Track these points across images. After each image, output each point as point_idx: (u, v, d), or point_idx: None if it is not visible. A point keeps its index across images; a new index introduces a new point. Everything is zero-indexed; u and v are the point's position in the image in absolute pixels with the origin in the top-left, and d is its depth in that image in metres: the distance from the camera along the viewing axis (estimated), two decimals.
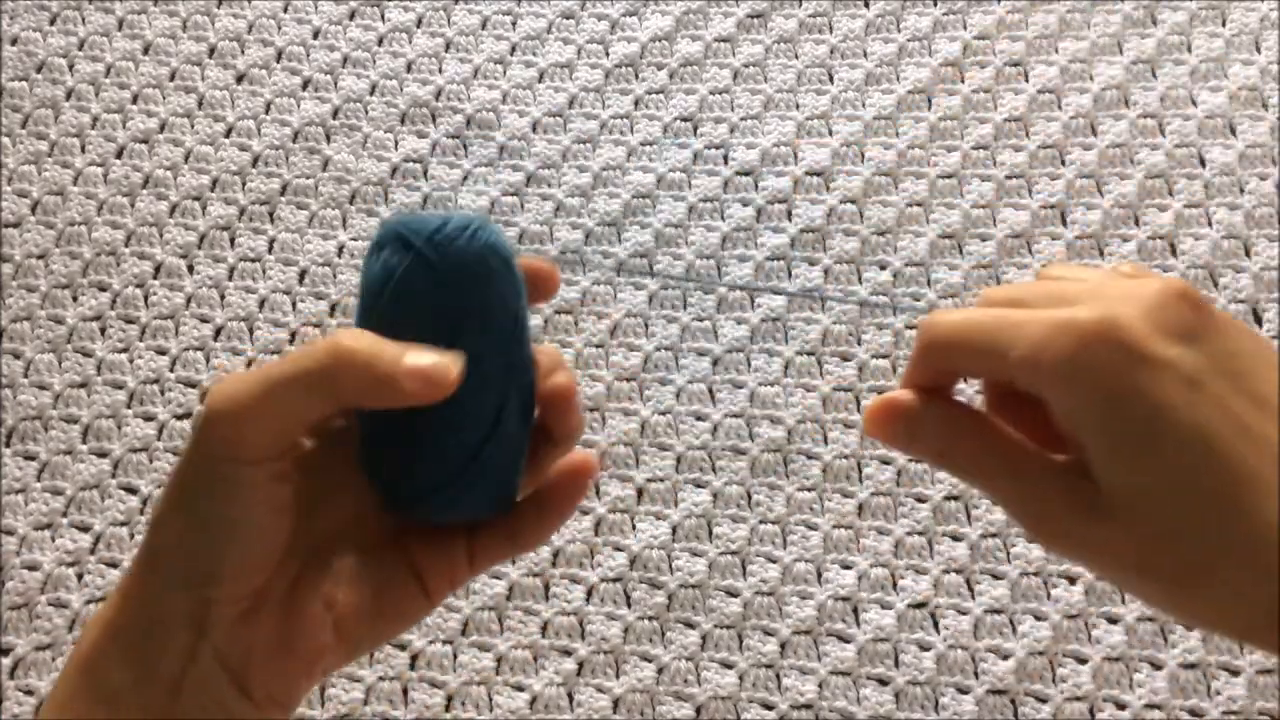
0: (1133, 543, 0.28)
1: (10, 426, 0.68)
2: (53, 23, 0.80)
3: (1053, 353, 0.28)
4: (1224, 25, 0.76)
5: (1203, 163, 0.72)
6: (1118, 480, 0.28)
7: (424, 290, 0.29)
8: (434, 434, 0.30)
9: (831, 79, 0.76)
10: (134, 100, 0.77)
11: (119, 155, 0.75)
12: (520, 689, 0.61)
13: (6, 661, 0.62)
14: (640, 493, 0.65)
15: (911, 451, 0.32)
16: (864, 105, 0.75)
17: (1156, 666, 0.60)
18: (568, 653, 0.62)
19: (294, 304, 0.71)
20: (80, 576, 0.64)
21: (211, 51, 0.79)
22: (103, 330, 0.70)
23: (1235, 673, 0.59)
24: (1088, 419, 0.28)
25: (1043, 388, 0.28)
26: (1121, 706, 0.59)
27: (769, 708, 0.60)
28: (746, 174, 0.73)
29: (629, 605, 0.63)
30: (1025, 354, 0.28)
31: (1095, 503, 0.28)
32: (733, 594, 0.62)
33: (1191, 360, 0.28)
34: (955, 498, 0.64)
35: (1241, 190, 0.71)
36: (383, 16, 0.79)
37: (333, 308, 0.71)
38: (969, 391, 0.48)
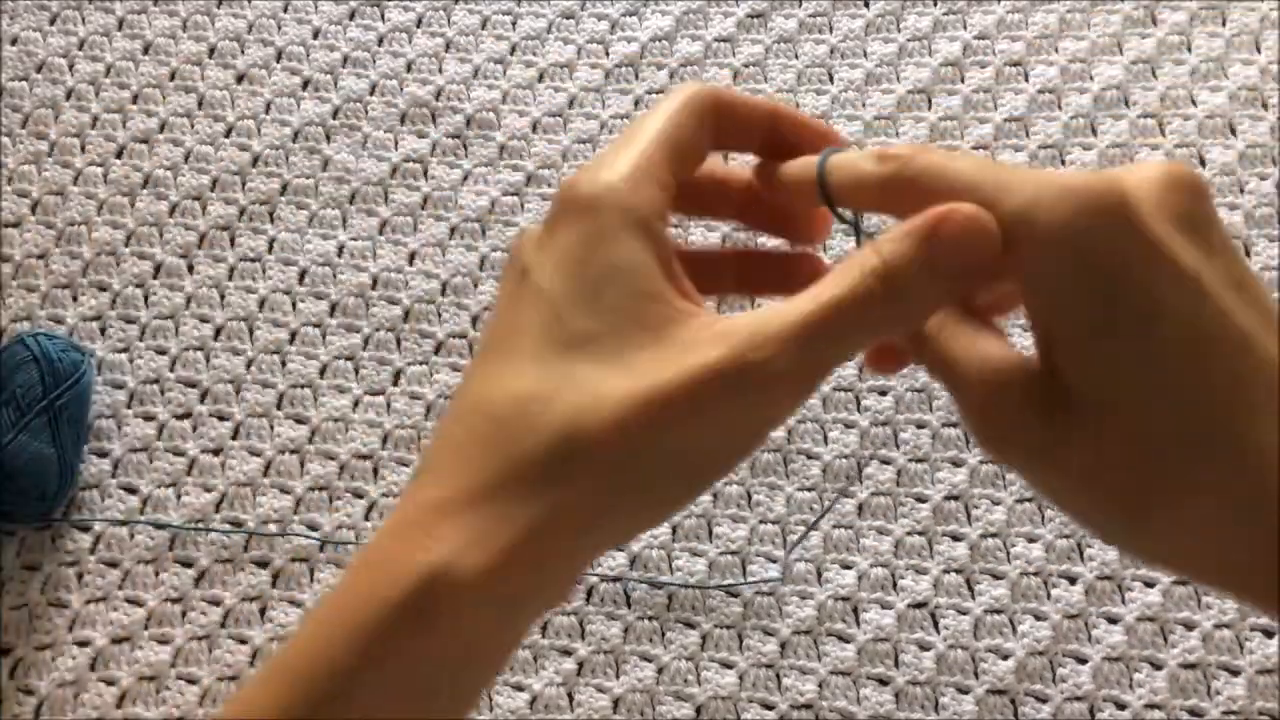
0: (1095, 451, 0.25)
1: None
2: (53, 23, 0.80)
3: (1050, 213, 0.24)
4: (1224, 25, 0.76)
5: (1203, 163, 0.72)
6: (1093, 374, 0.24)
7: None
8: None
9: (831, 79, 0.76)
10: (134, 100, 0.77)
11: (119, 155, 0.75)
12: (520, 689, 0.61)
13: (6, 661, 0.62)
14: None
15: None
16: (864, 105, 0.75)
17: (1156, 666, 0.60)
18: (568, 653, 0.62)
19: (294, 304, 0.71)
20: (80, 577, 0.64)
21: (211, 51, 0.79)
22: (103, 330, 0.70)
23: (1235, 673, 0.59)
24: (1074, 299, 0.24)
25: (1027, 254, 0.25)
26: (1121, 706, 0.59)
27: (769, 708, 0.60)
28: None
29: (629, 605, 0.63)
30: (1018, 208, 0.24)
31: (1058, 401, 0.25)
32: (733, 594, 0.62)
33: (1197, 257, 0.24)
34: (955, 498, 0.64)
35: (1241, 190, 0.71)
36: (383, 16, 0.79)
37: (333, 308, 0.71)
38: None
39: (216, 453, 0.67)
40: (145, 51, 0.79)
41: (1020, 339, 0.56)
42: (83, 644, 0.62)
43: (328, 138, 0.75)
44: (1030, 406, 0.25)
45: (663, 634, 0.62)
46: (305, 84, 0.77)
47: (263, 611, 0.63)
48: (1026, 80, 0.75)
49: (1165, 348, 0.24)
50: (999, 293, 0.30)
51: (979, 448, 0.30)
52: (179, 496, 0.66)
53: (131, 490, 0.66)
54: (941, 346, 0.28)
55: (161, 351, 0.70)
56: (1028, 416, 0.25)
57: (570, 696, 0.61)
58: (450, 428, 0.26)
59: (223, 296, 0.71)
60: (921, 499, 0.64)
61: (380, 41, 0.79)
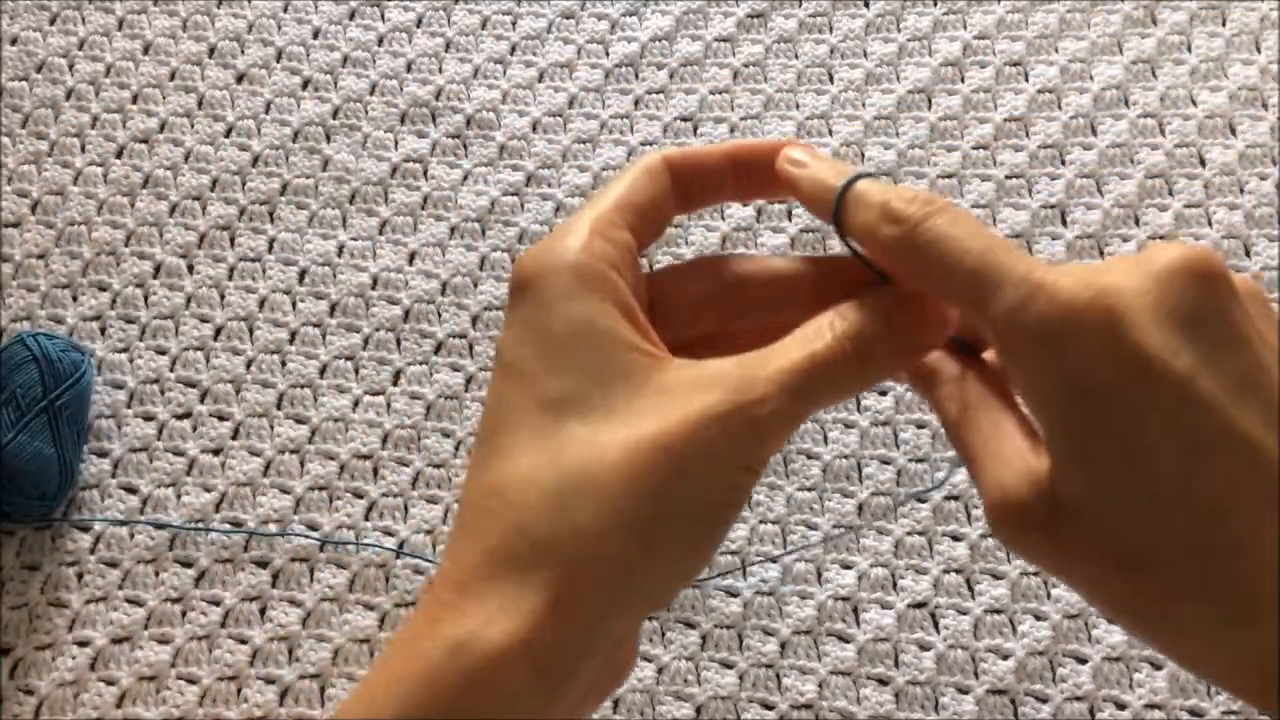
0: (1093, 557, 0.24)
1: None
2: (53, 23, 0.80)
3: (1038, 321, 0.24)
4: (1224, 25, 0.76)
5: (1203, 163, 0.72)
6: (1082, 479, 0.24)
7: None
8: None
9: (831, 79, 0.76)
10: (134, 100, 0.77)
11: (119, 155, 0.75)
12: None
13: (6, 661, 0.62)
14: None
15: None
16: (864, 105, 0.75)
17: (1156, 666, 0.60)
18: None
19: (294, 304, 0.71)
20: (80, 577, 0.64)
21: (211, 51, 0.79)
22: (103, 330, 0.70)
23: None
24: (1059, 407, 0.24)
25: (1015, 355, 0.25)
26: (1121, 706, 0.59)
27: (769, 708, 0.60)
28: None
29: None
30: (1009, 308, 0.24)
31: (1062, 505, 0.25)
32: (733, 594, 0.62)
33: (1193, 360, 0.23)
34: (955, 498, 0.64)
35: (1241, 190, 0.71)
36: (383, 16, 0.79)
37: (333, 307, 0.71)
38: None
39: (216, 453, 0.67)
40: (145, 51, 0.79)
41: None
42: (83, 644, 0.62)
43: (328, 138, 0.75)
44: (1036, 512, 0.25)
45: (663, 634, 0.62)
46: (305, 84, 0.77)
47: (263, 611, 0.63)
48: (1026, 80, 0.75)
49: (1153, 456, 0.23)
50: None
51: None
52: (179, 496, 0.66)
53: (131, 490, 0.66)
54: (962, 436, 0.28)
55: (161, 351, 0.70)
56: (1032, 521, 0.25)
57: None
58: (463, 514, 0.27)
59: (223, 296, 0.71)
60: (921, 499, 0.64)
61: (380, 41, 0.79)
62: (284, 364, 0.69)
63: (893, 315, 0.27)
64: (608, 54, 0.78)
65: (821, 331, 0.26)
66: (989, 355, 0.30)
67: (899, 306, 0.27)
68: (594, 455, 0.25)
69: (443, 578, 0.26)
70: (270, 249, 0.72)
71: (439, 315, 0.70)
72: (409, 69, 0.78)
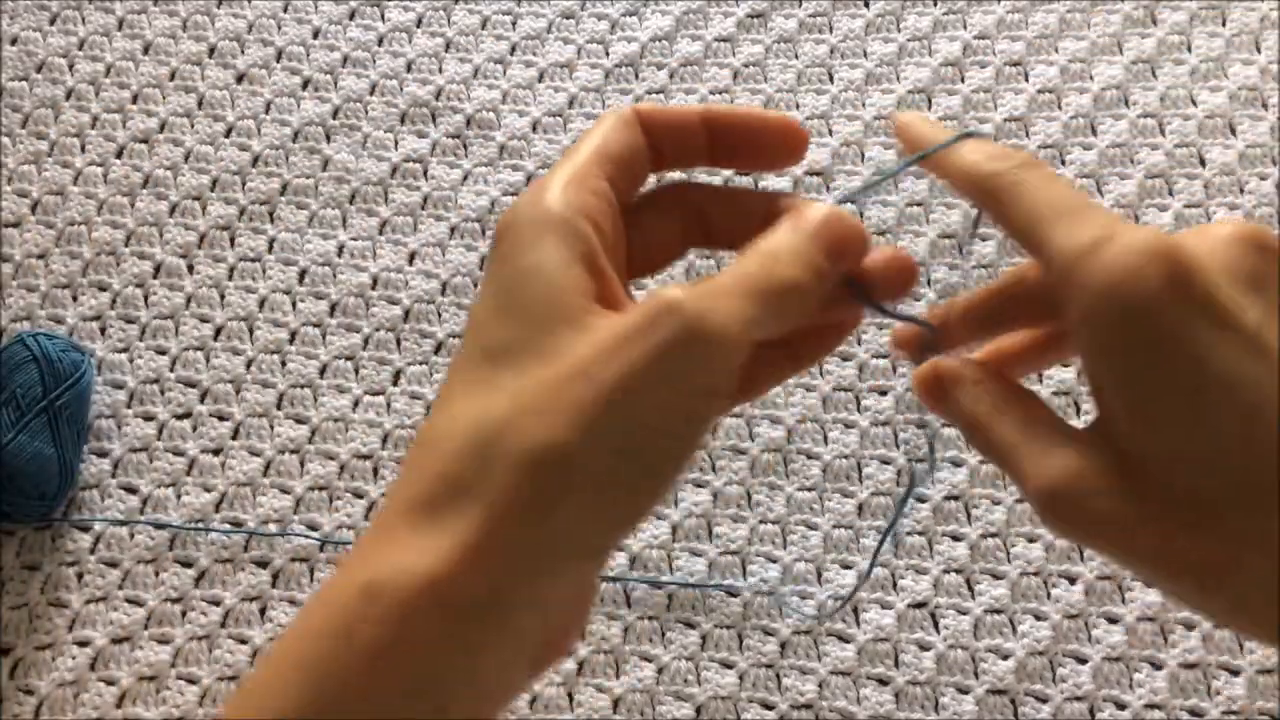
0: (1157, 521, 0.24)
1: None
2: (53, 23, 0.80)
3: (1105, 265, 0.24)
4: (1224, 25, 0.76)
5: (1203, 163, 0.72)
6: (1143, 445, 0.24)
7: None
8: None
9: (831, 79, 0.76)
10: (134, 100, 0.77)
11: (119, 155, 0.75)
12: None
13: (6, 661, 0.62)
14: None
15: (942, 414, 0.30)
16: (864, 105, 0.75)
17: (1156, 666, 0.60)
18: (568, 653, 0.62)
19: (294, 304, 0.71)
20: (80, 577, 0.64)
21: (211, 51, 0.79)
22: (103, 330, 0.70)
23: (1235, 673, 0.59)
24: (1122, 357, 0.24)
25: (1077, 300, 0.25)
26: (1121, 706, 0.59)
27: (769, 708, 0.60)
28: (746, 174, 0.73)
29: (629, 605, 0.63)
30: (1076, 250, 0.25)
31: (1118, 477, 0.25)
32: (732, 594, 0.62)
33: (1260, 316, 0.24)
34: (955, 498, 0.64)
35: (1241, 190, 0.71)
36: (383, 16, 0.79)
37: (333, 307, 0.71)
38: None
39: (216, 453, 0.67)
40: (145, 51, 0.79)
41: None
42: (83, 644, 0.62)
43: (328, 138, 0.75)
44: (1095, 483, 0.25)
45: (663, 634, 0.62)
46: (305, 84, 0.77)
47: (263, 611, 0.63)
48: (1026, 80, 0.75)
49: (1219, 406, 0.23)
50: (1050, 338, 0.31)
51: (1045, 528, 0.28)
52: (179, 496, 0.66)
53: (131, 490, 0.66)
54: (995, 434, 0.28)
55: (161, 351, 0.70)
56: (1092, 493, 0.25)
57: (570, 696, 0.61)
58: (401, 466, 0.27)
59: (223, 296, 0.71)
60: (921, 499, 0.64)
61: (380, 41, 0.79)
62: (284, 364, 0.69)
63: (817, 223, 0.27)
64: (608, 54, 0.78)
65: (772, 248, 0.27)
66: (1012, 341, 0.31)
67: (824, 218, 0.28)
68: (517, 400, 0.24)
69: (374, 519, 0.26)
70: (270, 249, 0.72)
71: (439, 315, 0.70)
72: (409, 69, 0.78)
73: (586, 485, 0.24)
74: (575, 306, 0.25)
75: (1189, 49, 0.75)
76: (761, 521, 0.64)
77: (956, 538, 0.63)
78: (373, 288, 0.71)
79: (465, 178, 0.74)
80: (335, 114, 0.76)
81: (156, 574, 0.64)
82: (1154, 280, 0.24)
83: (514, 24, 0.79)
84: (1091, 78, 0.75)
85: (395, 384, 0.68)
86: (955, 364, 0.30)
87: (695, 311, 0.24)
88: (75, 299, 0.71)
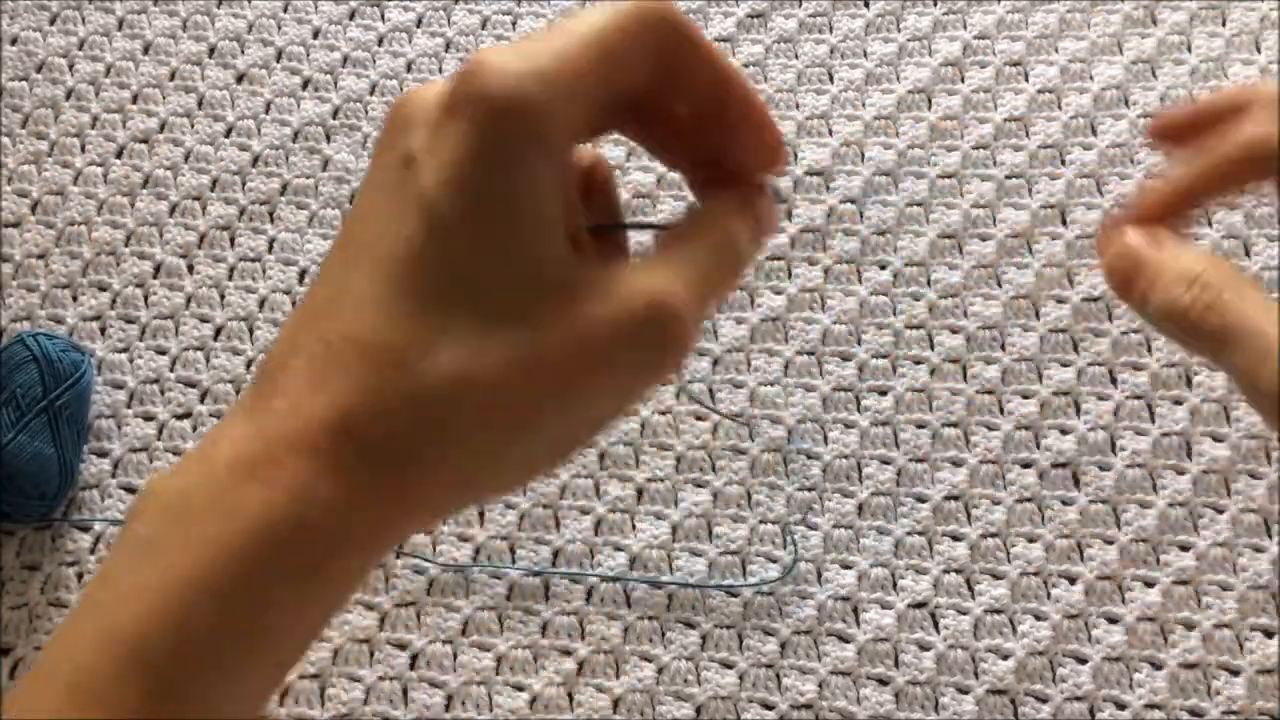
0: None
1: None
2: (53, 23, 0.80)
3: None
4: (1224, 25, 0.76)
5: None
6: None
7: None
8: None
9: (831, 79, 0.76)
10: (134, 100, 0.77)
11: (119, 155, 0.75)
12: (520, 689, 0.61)
13: (6, 661, 0.62)
14: (640, 493, 0.65)
15: (1137, 298, 0.31)
16: (864, 105, 0.75)
17: (1156, 666, 0.60)
18: (568, 653, 0.62)
19: (294, 304, 0.71)
20: (80, 576, 0.64)
21: (211, 51, 0.79)
22: (103, 330, 0.70)
23: (1235, 673, 0.59)
24: None
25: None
26: (1121, 706, 0.59)
27: (769, 708, 0.60)
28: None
29: (629, 605, 0.63)
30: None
31: None
32: (733, 594, 0.62)
33: None
34: (955, 498, 0.64)
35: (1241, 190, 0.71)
36: (383, 16, 0.79)
37: None
38: None
39: None
40: (145, 51, 0.79)
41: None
42: None
43: (328, 138, 0.75)
44: None
45: (663, 634, 0.62)
46: (305, 84, 0.77)
47: None
48: (1026, 80, 0.75)
49: None
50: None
51: None
52: None
53: (131, 490, 0.66)
54: (1231, 316, 0.28)
55: (161, 351, 0.70)
56: None
57: (570, 696, 0.61)
58: (304, 340, 0.24)
59: (223, 296, 0.71)
60: (921, 499, 0.64)
61: (380, 41, 0.79)
62: None
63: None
64: None
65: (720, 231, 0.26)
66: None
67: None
68: (473, 369, 0.23)
69: (266, 416, 0.23)
70: (270, 249, 0.72)
71: None
72: (409, 69, 0.78)
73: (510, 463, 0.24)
74: (565, 267, 0.24)
75: (1189, 49, 0.75)
76: (761, 521, 0.64)
77: (956, 538, 0.63)
78: None
79: None
80: (335, 114, 0.76)
81: None
82: None
83: (514, 24, 0.79)
84: (1091, 78, 0.75)
85: None
86: (1161, 229, 0.31)
87: (693, 327, 0.24)
88: (75, 299, 0.71)
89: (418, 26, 0.79)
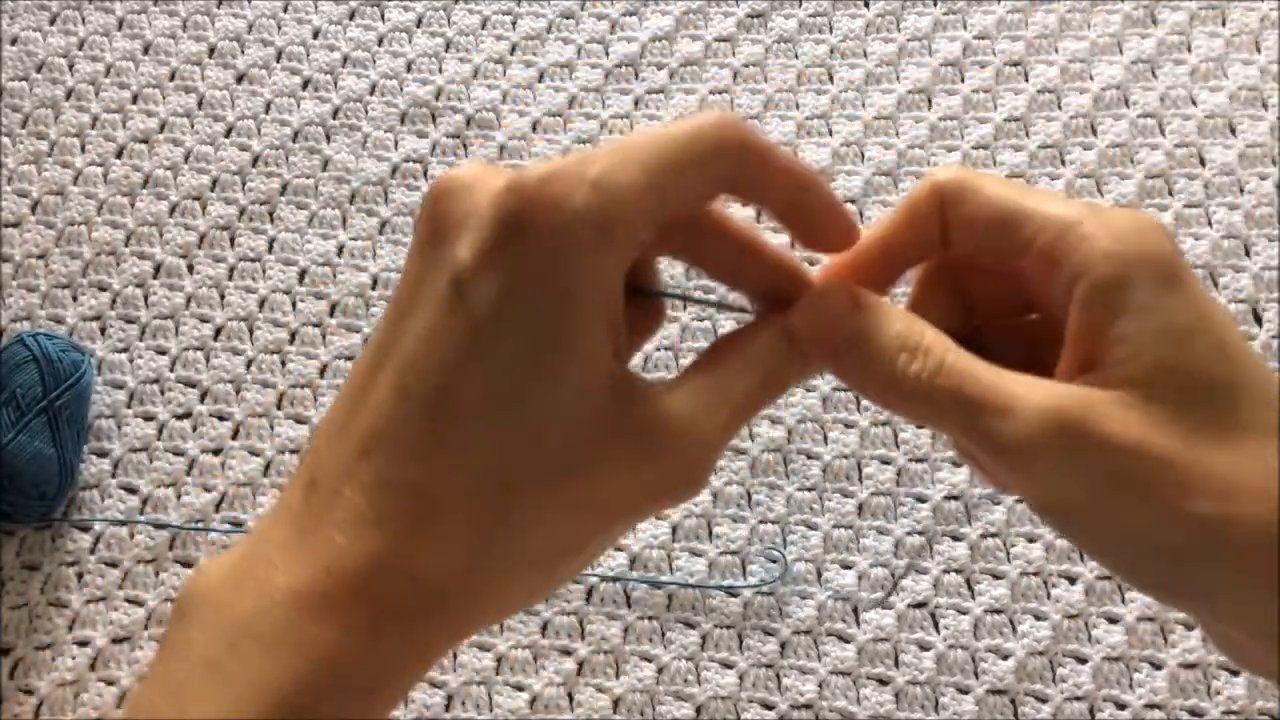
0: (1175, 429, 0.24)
1: None
2: (53, 23, 0.80)
3: (1131, 235, 0.25)
4: (1224, 25, 0.76)
5: (1203, 163, 0.72)
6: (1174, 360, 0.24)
7: None
8: None
9: (831, 79, 0.76)
10: (134, 100, 0.77)
11: (119, 155, 0.75)
12: (520, 689, 0.61)
13: (6, 661, 0.62)
14: None
15: (851, 372, 0.27)
16: (864, 105, 0.75)
17: (1156, 666, 0.60)
18: (568, 653, 0.62)
19: (294, 304, 0.71)
20: (80, 577, 0.64)
21: (211, 51, 0.79)
22: (103, 330, 0.70)
23: (1235, 673, 0.59)
24: (1154, 311, 0.24)
25: (1111, 272, 0.24)
26: (1121, 706, 0.59)
27: (769, 708, 0.60)
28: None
29: (629, 605, 0.63)
30: (1096, 232, 0.25)
31: (1126, 399, 0.24)
32: (733, 594, 0.62)
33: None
34: (955, 498, 0.64)
35: (1241, 190, 0.71)
36: (383, 16, 0.79)
37: (333, 308, 0.71)
38: None
39: (216, 453, 0.67)
40: (145, 51, 0.79)
41: None
42: (83, 644, 0.63)
43: (328, 138, 0.75)
44: (1105, 412, 0.24)
45: (663, 634, 0.62)
46: (305, 84, 0.77)
47: None
48: (1026, 80, 0.75)
49: (1213, 342, 0.24)
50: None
51: (1043, 516, 0.27)
52: (179, 496, 0.66)
53: (131, 490, 0.66)
54: (958, 370, 0.26)
55: (161, 351, 0.70)
56: (1106, 422, 0.24)
57: (570, 696, 0.61)
58: (356, 467, 0.24)
59: (223, 296, 0.71)
60: (921, 499, 0.64)
61: (380, 41, 0.79)
62: (284, 364, 0.69)
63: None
64: (608, 54, 0.78)
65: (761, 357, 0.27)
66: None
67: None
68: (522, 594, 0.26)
69: (337, 549, 0.24)
70: (270, 249, 0.72)
71: None
72: (409, 69, 0.78)
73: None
74: (612, 407, 0.24)
75: (1189, 49, 0.75)
76: (761, 521, 0.64)
77: (956, 538, 0.63)
78: (373, 288, 0.71)
79: None
80: (335, 114, 0.76)
81: (156, 574, 0.64)
82: (1164, 244, 0.25)
83: (514, 24, 0.79)
84: (1091, 78, 0.75)
85: None
86: (862, 289, 0.28)
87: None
88: (75, 299, 0.71)
89: (418, 26, 0.79)
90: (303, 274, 0.72)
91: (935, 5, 0.78)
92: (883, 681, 0.60)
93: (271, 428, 0.67)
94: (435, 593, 0.24)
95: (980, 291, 0.29)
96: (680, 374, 0.26)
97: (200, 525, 0.65)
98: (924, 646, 0.61)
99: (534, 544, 0.24)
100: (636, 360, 0.68)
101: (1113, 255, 0.24)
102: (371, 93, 0.77)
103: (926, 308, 0.29)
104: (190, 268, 0.72)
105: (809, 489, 0.65)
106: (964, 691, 0.60)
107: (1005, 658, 0.60)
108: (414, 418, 0.24)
